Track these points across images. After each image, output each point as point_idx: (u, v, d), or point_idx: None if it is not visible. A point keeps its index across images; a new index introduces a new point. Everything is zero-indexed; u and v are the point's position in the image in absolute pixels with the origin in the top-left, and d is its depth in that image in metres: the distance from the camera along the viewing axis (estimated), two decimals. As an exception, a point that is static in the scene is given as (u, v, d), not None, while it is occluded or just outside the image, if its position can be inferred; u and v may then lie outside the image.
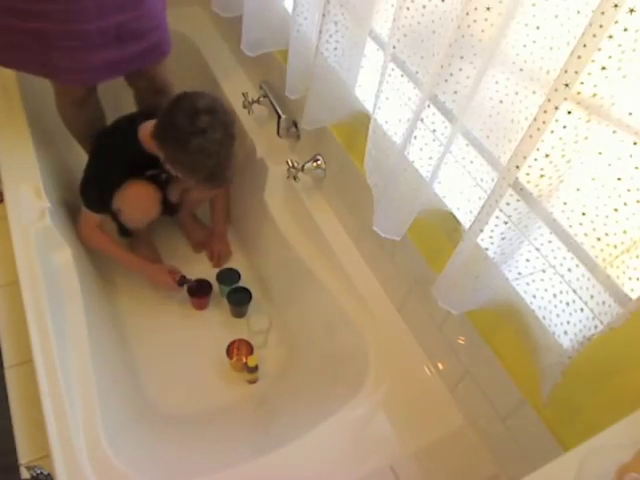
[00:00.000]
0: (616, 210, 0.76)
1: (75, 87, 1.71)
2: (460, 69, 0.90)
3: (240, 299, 1.78)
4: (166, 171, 1.61)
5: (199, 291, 1.80)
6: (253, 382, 1.68)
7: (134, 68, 1.70)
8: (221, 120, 1.47)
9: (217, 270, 1.84)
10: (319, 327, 1.65)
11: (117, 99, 1.94)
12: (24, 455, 1.22)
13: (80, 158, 1.73)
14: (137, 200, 1.70)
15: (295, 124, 1.77)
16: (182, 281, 1.78)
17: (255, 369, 1.62)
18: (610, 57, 0.65)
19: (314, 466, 1.22)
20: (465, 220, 1.12)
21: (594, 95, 0.69)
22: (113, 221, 1.82)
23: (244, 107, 1.87)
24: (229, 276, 1.82)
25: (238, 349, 1.70)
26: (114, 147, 1.64)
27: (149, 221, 1.81)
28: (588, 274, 0.85)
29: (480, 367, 1.23)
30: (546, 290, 0.96)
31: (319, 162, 1.65)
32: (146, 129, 1.57)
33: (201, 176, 1.52)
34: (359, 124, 1.34)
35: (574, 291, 0.89)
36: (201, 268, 1.89)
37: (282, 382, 1.64)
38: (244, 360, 1.65)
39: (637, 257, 0.77)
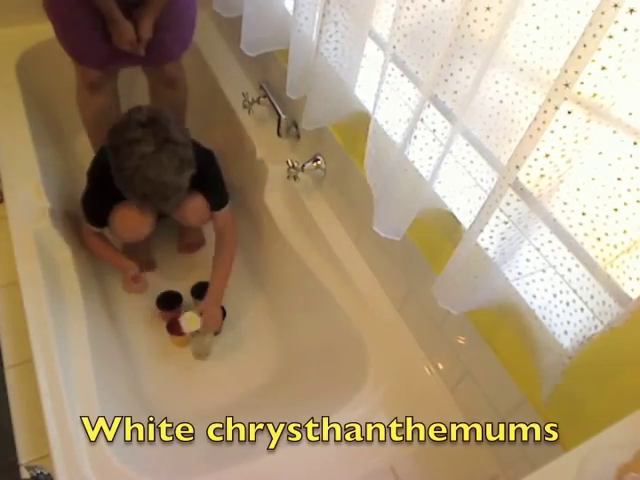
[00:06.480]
0: (616, 210, 0.76)
1: (91, 71, 1.70)
2: (460, 69, 0.90)
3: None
4: None
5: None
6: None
7: (145, 63, 1.73)
8: (156, 132, 1.35)
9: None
10: (319, 327, 1.65)
11: (132, 90, 1.96)
12: (24, 455, 1.22)
13: (81, 158, 1.72)
14: (125, 222, 1.62)
15: (295, 124, 1.76)
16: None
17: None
18: (610, 57, 0.65)
19: (314, 466, 1.23)
20: (465, 220, 1.12)
21: (594, 95, 0.69)
22: None
23: (244, 107, 1.87)
24: (205, 291, 1.72)
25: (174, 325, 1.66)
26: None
27: (142, 238, 1.73)
28: (588, 274, 0.85)
29: (480, 367, 1.23)
30: (546, 290, 0.96)
31: (319, 162, 1.65)
32: None
33: (132, 195, 1.42)
34: (359, 124, 1.34)
35: (574, 291, 0.89)
36: (199, 273, 1.87)
37: (282, 382, 1.64)
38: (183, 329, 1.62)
39: (637, 257, 0.77)
